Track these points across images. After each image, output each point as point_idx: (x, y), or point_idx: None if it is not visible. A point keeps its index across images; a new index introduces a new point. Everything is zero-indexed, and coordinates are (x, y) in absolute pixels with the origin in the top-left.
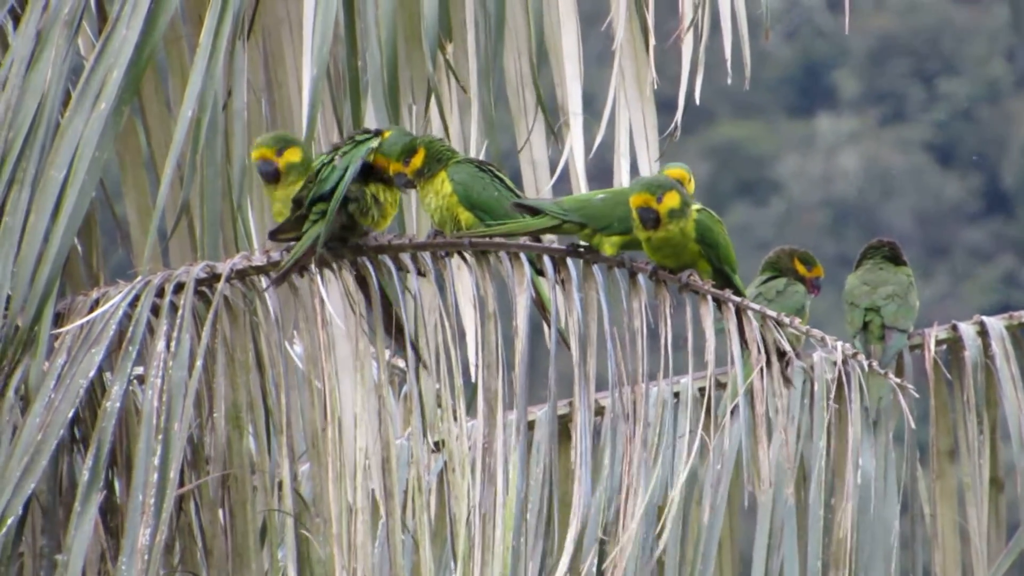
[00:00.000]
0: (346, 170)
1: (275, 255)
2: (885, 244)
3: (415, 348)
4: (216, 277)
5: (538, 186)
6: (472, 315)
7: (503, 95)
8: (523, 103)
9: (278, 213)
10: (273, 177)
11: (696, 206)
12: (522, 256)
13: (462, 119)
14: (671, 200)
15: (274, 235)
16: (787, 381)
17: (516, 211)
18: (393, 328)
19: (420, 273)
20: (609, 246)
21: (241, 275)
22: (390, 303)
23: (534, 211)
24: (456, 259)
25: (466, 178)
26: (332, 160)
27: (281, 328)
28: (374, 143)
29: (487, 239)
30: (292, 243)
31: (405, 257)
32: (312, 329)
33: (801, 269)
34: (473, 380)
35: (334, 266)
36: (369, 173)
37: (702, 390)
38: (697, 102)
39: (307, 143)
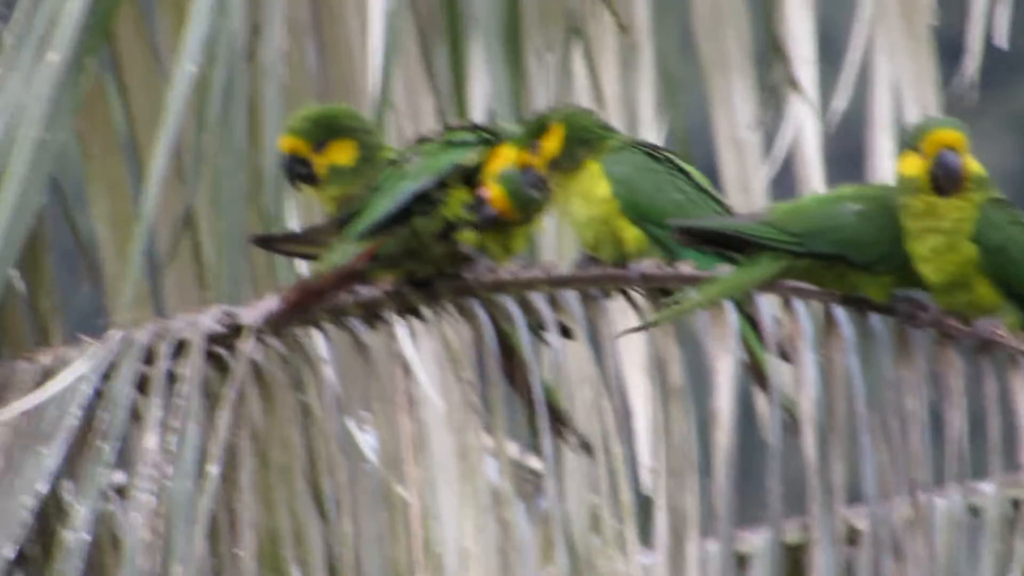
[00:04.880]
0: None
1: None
2: None
3: (559, 426)
4: (239, 331)
5: (745, 180)
6: (645, 389)
7: (688, 40)
8: (722, 51)
9: None
10: (305, 182)
11: (992, 192)
12: None
13: (624, 77)
14: (973, 164)
15: (264, 242)
16: None
17: (683, 240)
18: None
19: (565, 333)
20: (878, 288)
21: (278, 327)
22: (512, 350)
23: (722, 238)
24: (620, 302)
25: (631, 173)
26: (402, 166)
27: (343, 411)
28: (470, 156)
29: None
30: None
31: (538, 299)
32: (392, 412)
33: None
34: (649, 491)
35: (425, 314)
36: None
37: (1016, 504)
38: (1005, 46)
39: (376, 120)
